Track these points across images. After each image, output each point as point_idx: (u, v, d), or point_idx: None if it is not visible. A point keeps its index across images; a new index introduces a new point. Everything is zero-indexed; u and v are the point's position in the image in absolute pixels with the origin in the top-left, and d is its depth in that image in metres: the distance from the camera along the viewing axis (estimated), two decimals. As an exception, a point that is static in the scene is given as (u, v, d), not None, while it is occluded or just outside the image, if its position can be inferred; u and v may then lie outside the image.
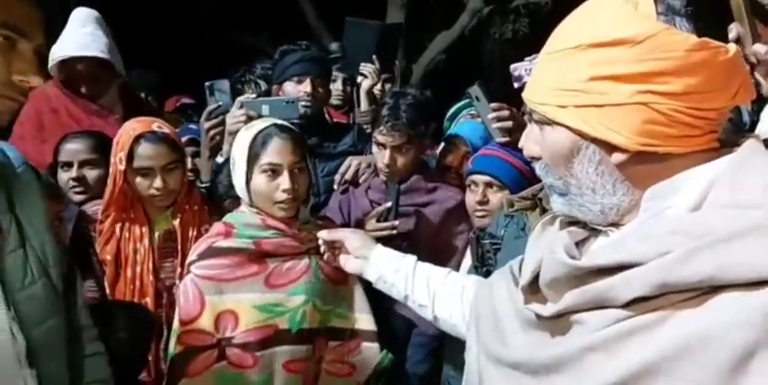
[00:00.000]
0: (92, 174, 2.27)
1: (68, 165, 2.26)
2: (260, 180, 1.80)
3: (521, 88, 2.12)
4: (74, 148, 2.27)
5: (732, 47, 0.87)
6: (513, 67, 2.11)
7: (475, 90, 2.02)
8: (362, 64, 2.92)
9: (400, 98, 2.19)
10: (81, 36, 2.59)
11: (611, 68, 0.86)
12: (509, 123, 1.94)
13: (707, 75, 0.85)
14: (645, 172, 0.89)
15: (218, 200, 2.13)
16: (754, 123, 1.73)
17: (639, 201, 0.91)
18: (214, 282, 1.77)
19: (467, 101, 2.69)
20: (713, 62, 0.85)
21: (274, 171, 1.79)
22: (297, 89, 2.42)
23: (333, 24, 6.69)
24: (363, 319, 1.91)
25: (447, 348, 2.07)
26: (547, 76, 0.93)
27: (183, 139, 2.43)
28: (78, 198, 2.24)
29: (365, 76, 2.89)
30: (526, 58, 2.10)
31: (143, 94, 3.51)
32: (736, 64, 0.88)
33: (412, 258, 1.47)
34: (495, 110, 1.98)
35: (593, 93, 0.87)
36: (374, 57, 2.94)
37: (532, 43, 2.03)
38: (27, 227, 1.23)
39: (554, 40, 0.94)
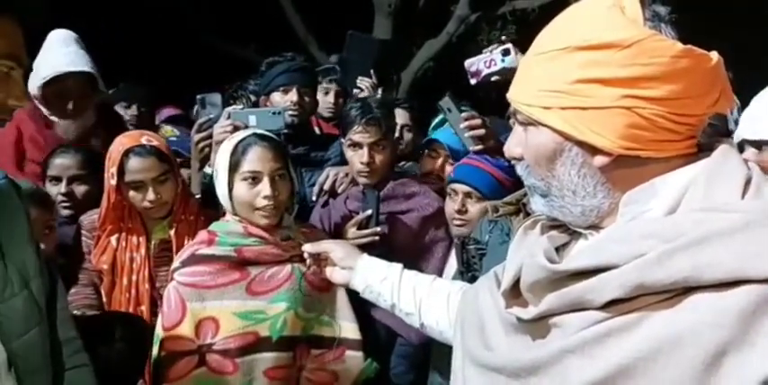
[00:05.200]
0: (80, 189, 2.30)
1: (57, 179, 2.27)
2: (241, 188, 1.81)
3: (478, 84, 2.12)
4: (63, 163, 2.28)
5: (715, 55, 0.87)
6: (468, 62, 2.09)
7: (446, 102, 2.02)
8: (360, 77, 2.94)
9: (367, 98, 2.24)
10: (66, 54, 2.53)
11: (597, 71, 0.85)
12: (482, 131, 1.95)
13: (690, 81, 0.85)
14: (625, 175, 0.90)
15: (213, 207, 2.12)
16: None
17: (619, 203, 0.91)
18: (196, 289, 1.78)
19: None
20: (697, 69, 0.85)
21: (255, 178, 1.80)
22: (284, 99, 2.42)
23: (321, 35, 6.71)
24: (348, 328, 1.91)
25: (434, 355, 2.05)
26: (533, 77, 0.93)
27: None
28: (66, 213, 2.25)
29: (361, 90, 2.91)
30: (484, 51, 2.09)
31: (135, 107, 3.51)
32: (718, 72, 0.88)
33: (398, 266, 1.46)
34: (466, 119, 1.99)
35: (578, 95, 0.87)
36: (372, 71, 2.97)
37: (521, 50, 2.03)
38: (6, 240, 1.22)
39: (541, 42, 0.93)
